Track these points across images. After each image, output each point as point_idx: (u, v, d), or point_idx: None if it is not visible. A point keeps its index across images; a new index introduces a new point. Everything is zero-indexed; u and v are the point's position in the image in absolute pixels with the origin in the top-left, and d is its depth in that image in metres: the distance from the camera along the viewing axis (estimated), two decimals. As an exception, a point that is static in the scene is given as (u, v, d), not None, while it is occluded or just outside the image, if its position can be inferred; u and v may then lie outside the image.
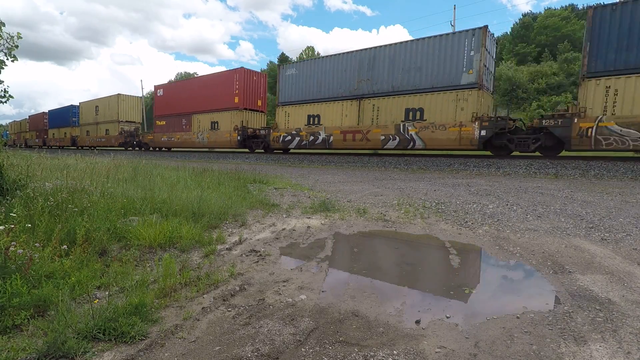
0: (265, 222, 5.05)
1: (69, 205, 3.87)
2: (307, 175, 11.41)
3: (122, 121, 28.36)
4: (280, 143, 17.80)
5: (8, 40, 4.68)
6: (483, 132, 11.97)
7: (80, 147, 31.51)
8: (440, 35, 12.80)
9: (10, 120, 51.63)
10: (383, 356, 1.95)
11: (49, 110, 39.95)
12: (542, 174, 10.27)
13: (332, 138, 15.69)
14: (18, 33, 4.73)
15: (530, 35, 51.58)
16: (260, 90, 20.77)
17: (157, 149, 25.88)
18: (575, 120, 10.55)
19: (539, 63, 41.88)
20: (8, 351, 1.91)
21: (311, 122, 16.44)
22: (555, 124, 11.06)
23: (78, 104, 33.39)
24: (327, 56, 16.21)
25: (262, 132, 18.99)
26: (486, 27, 11.88)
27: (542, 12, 54.39)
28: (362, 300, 2.66)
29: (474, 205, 5.87)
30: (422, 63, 13.21)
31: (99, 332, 2.09)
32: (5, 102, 5.05)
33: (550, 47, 45.30)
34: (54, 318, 2.18)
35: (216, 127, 20.76)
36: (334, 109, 15.61)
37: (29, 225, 3.23)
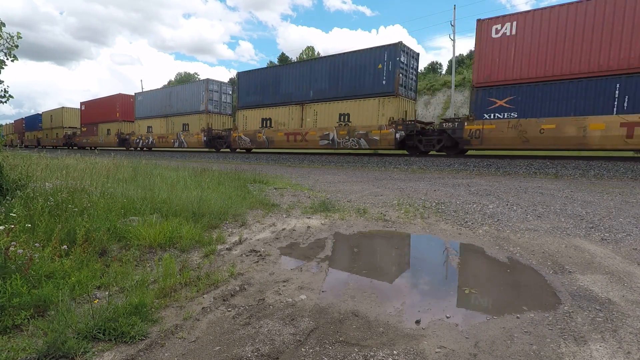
0: (265, 222, 5.05)
1: (69, 205, 3.87)
2: (307, 175, 11.41)
3: (65, 127, 37.61)
4: (134, 144, 28.44)
5: (8, 40, 4.67)
6: (205, 138, 22.59)
7: (43, 147, 38.73)
8: (191, 82, 26.24)
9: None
10: (383, 356, 1.95)
11: (25, 117, 47.29)
12: (542, 174, 10.27)
13: (154, 140, 26.68)
14: (18, 33, 4.73)
15: (530, 35, 51.51)
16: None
17: (88, 148, 34.14)
18: (232, 132, 21.08)
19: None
20: (8, 351, 1.90)
21: (148, 131, 27.40)
22: (225, 135, 22.07)
23: (41, 113, 42.64)
24: (153, 90, 28.43)
25: (128, 136, 29.29)
26: (207, 79, 23.23)
27: (542, 12, 54.37)
28: (362, 300, 2.66)
29: (474, 205, 5.87)
30: (187, 97, 24.22)
31: (99, 332, 2.09)
32: (5, 102, 5.05)
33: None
34: (54, 318, 2.18)
35: (109, 133, 30.99)
36: (158, 123, 26.47)
37: (29, 225, 3.23)
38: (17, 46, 4.77)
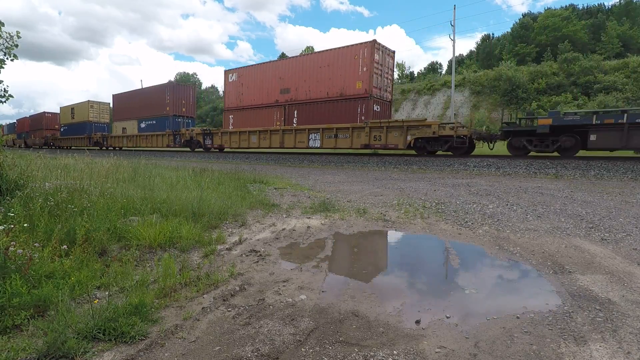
0: (265, 222, 5.05)
1: (69, 205, 3.87)
2: (307, 175, 11.41)
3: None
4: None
5: (7, 40, 4.68)
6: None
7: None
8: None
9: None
10: (383, 356, 1.95)
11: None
12: (542, 174, 10.27)
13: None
14: (17, 32, 4.73)
15: (530, 35, 51.69)
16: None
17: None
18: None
19: (539, 63, 41.93)
20: (8, 351, 1.90)
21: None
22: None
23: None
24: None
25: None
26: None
27: (543, 12, 54.51)
28: (362, 300, 2.66)
29: (474, 205, 5.87)
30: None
31: (99, 332, 2.09)
32: (5, 101, 5.06)
33: (550, 47, 45.42)
34: (54, 318, 2.18)
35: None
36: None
37: (27, 225, 3.23)
38: (16, 45, 4.77)
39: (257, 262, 3.50)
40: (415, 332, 2.21)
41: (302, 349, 2.03)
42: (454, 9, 28.91)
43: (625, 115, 10.11)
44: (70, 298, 2.48)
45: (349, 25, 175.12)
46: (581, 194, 6.88)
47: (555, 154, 11.78)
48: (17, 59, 4.84)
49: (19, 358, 1.87)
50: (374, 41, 14.83)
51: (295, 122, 17.75)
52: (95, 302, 2.46)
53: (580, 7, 60.01)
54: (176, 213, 4.53)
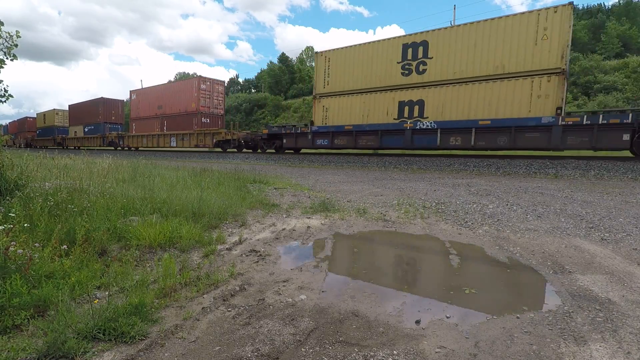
0: (265, 222, 5.05)
1: (69, 205, 3.87)
2: (307, 175, 11.41)
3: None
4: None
5: (7, 40, 4.67)
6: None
7: None
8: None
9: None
10: (383, 356, 1.95)
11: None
12: (542, 174, 10.27)
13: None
14: (17, 32, 4.73)
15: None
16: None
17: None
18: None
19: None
20: (8, 351, 1.90)
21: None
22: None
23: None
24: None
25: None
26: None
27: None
28: (362, 300, 2.66)
29: (474, 205, 5.87)
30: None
31: (99, 332, 2.09)
32: (5, 101, 5.06)
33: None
34: (54, 318, 2.18)
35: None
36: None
37: (27, 225, 3.23)
38: (16, 45, 4.77)
39: (257, 262, 3.50)
40: (415, 332, 2.21)
41: (302, 349, 2.03)
42: (454, 9, 28.99)
43: (294, 128, 17.74)
44: (70, 298, 2.48)
45: (348, 25, 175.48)
46: (581, 194, 6.88)
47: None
48: (17, 59, 4.83)
49: (19, 358, 1.87)
50: (200, 76, 24.25)
51: (165, 129, 26.00)
52: (95, 302, 2.47)
53: (580, 7, 60.04)
54: (176, 213, 4.53)
